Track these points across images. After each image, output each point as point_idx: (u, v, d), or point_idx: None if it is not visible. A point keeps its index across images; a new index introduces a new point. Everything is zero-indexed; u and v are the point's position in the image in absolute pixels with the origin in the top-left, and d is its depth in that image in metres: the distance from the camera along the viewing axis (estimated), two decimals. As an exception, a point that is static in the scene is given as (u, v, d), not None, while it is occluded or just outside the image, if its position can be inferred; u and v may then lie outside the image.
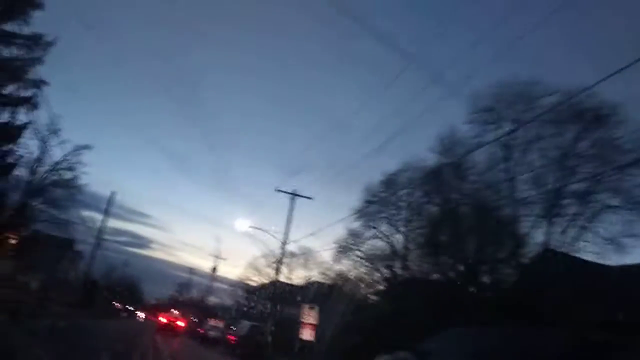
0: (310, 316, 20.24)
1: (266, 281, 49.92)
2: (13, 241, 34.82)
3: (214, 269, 61.61)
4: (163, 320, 41.14)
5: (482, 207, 20.52)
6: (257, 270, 49.40)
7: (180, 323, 41.08)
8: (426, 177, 23.31)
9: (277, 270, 28.68)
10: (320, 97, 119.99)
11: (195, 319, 65.31)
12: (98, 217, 47.72)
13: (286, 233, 29.19)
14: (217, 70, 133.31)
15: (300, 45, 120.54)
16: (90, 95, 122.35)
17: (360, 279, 28.67)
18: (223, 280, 63.44)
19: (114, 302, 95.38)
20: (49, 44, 23.01)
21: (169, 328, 36.38)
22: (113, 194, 39.56)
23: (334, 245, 28.07)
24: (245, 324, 26.93)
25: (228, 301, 71.40)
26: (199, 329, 42.78)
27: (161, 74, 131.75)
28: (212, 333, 33.61)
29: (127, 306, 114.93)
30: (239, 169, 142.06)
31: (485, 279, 22.23)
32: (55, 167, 27.00)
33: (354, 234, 28.02)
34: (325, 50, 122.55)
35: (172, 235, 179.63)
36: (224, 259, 60.17)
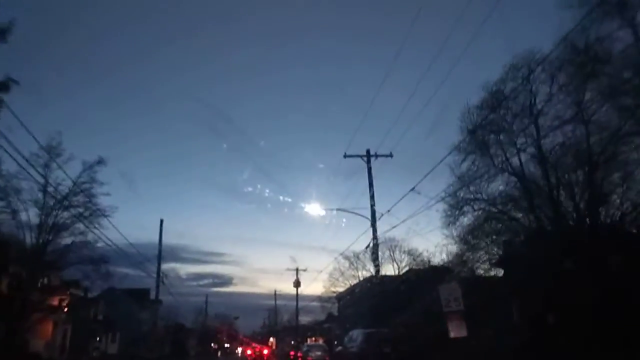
0: (455, 300, 12.74)
1: (353, 283, 44.07)
2: (63, 302, 29.67)
3: (297, 283, 55.27)
4: (248, 352, 50.59)
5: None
6: (341, 273, 43.29)
7: (265, 351, 47.68)
8: (566, 52, 15.10)
9: (376, 248, 21.16)
10: (354, 82, 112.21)
11: (293, 342, 59.22)
12: (178, 266, 46.43)
13: (372, 208, 21.82)
14: (245, 100, 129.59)
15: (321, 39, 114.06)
16: (140, 144, 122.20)
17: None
18: (310, 298, 58.36)
19: (211, 344, 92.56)
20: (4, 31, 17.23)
21: (256, 357, 41.09)
22: (162, 221, 35.05)
23: (438, 203, 20.27)
24: (357, 334, 19.67)
25: (321, 317, 64.87)
26: (296, 353, 36.07)
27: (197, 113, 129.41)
28: (312, 355, 26.73)
29: (225, 345, 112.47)
30: (298, 185, 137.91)
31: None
32: (68, 195, 21.13)
33: (465, 178, 20.16)
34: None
35: (250, 266, 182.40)
36: (304, 270, 53.50)
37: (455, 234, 20.74)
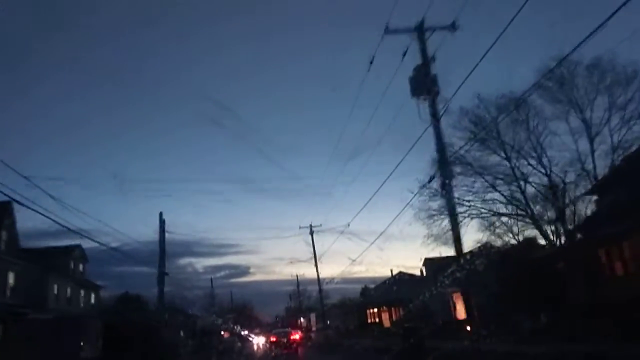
0: None
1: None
2: None
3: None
4: (273, 339, 45.32)
5: None
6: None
7: (295, 336, 43.89)
8: None
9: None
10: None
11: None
12: (194, 260, 37.76)
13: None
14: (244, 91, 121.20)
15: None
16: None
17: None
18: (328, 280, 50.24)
19: (220, 334, 74.14)
20: None
21: (283, 344, 39.75)
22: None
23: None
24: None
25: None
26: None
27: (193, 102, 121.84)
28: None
29: (241, 333, 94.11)
30: (304, 171, 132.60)
31: None
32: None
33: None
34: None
35: (265, 255, 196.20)
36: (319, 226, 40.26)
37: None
